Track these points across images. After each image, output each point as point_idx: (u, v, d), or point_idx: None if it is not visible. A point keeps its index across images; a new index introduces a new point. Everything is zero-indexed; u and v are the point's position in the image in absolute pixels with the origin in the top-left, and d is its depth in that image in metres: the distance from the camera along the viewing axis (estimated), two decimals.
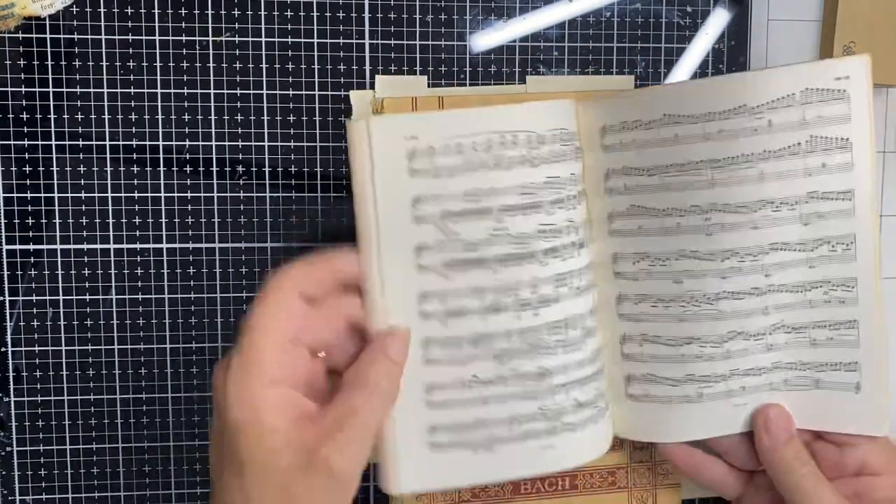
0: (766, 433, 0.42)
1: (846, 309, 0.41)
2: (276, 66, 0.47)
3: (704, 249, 0.41)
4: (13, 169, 0.46)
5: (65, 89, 0.46)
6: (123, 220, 0.47)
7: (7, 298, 0.47)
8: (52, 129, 0.46)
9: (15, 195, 0.46)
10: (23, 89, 0.45)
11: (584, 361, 0.41)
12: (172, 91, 0.46)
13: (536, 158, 0.39)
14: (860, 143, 0.39)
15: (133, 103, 0.46)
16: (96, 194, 0.46)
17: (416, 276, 0.39)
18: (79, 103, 0.46)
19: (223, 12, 0.46)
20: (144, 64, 0.46)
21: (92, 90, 0.46)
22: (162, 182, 0.47)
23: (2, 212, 0.46)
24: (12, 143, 0.46)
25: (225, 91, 0.47)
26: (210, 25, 0.46)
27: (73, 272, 0.47)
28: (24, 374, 0.47)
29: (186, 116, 0.46)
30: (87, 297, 0.47)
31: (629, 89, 0.48)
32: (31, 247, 0.46)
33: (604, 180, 0.42)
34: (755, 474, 0.45)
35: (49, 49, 0.45)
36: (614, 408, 0.44)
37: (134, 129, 0.46)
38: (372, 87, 0.47)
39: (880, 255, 0.41)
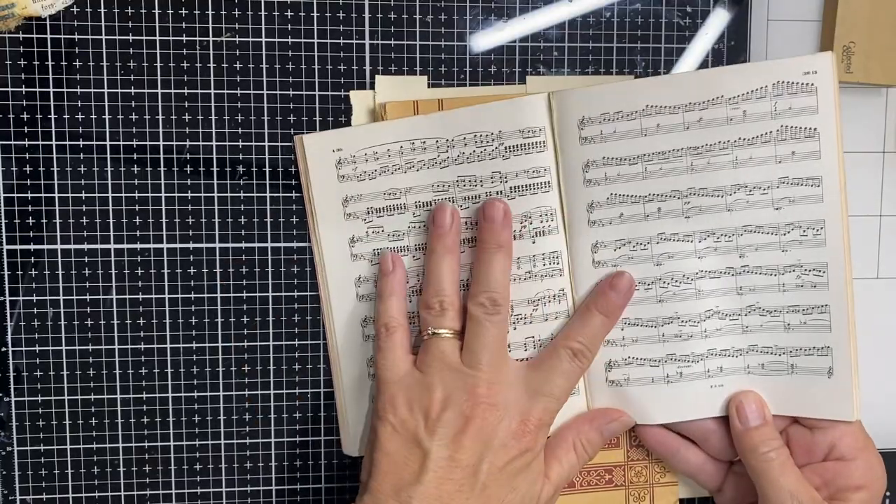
0: (738, 417, 0.44)
1: (818, 293, 0.43)
2: (276, 66, 0.47)
3: (683, 231, 0.43)
4: (13, 169, 0.46)
5: (65, 89, 0.46)
6: (123, 220, 0.47)
7: (7, 298, 0.47)
8: (53, 129, 0.46)
9: (15, 195, 0.46)
10: (23, 89, 0.45)
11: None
12: (172, 91, 0.46)
13: (446, 160, 0.44)
14: (827, 133, 0.41)
15: (133, 103, 0.46)
16: (96, 194, 0.46)
17: (351, 263, 0.46)
18: (79, 103, 0.46)
19: (223, 12, 0.46)
20: (144, 64, 0.46)
21: (92, 90, 0.46)
22: (162, 182, 0.47)
23: (2, 212, 0.46)
24: (12, 143, 0.46)
25: (225, 91, 0.47)
26: (210, 25, 0.46)
27: (73, 272, 0.47)
28: (24, 374, 0.47)
29: (186, 116, 0.47)
30: (87, 297, 0.47)
31: (607, 82, 0.48)
32: (32, 247, 0.46)
33: (582, 172, 0.44)
34: (734, 465, 0.46)
35: (49, 49, 0.45)
36: (592, 397, 0.46)
37: (134, 129, 0.46)
38: (372, 87, 0.47)
39: (850, 242, 0.42)
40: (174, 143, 0.47)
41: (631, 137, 0.43)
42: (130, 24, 0.46)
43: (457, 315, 0.43)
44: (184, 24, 0.46)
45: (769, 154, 0.42)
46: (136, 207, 0.47)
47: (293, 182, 0.47)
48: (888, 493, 0.52)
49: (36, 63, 0.45)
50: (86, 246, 0.47)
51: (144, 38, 0.46)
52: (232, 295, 0.48)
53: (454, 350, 0.42)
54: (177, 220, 0.47)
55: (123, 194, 0.47)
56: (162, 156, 0.47)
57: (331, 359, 0.47)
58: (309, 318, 0.48)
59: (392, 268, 0.45)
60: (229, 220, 0.47)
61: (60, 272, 0.47)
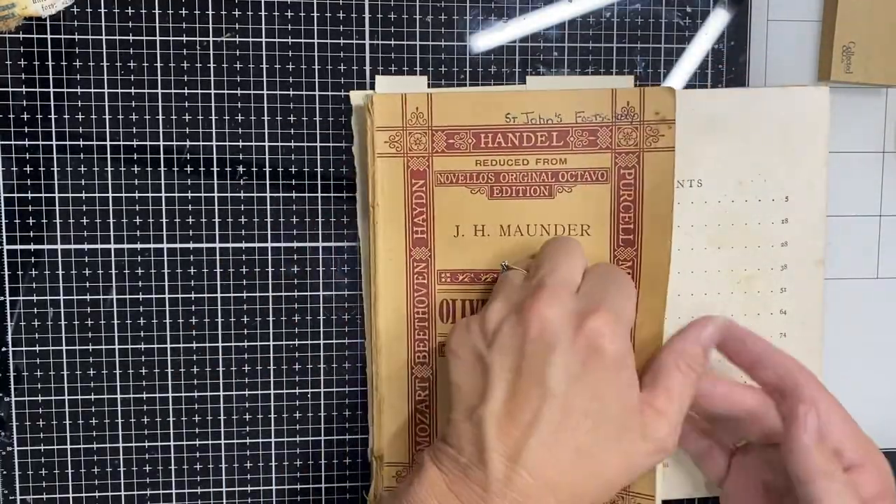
0: (805, 430, 0.39)
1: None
2: (276, 66, 0.47)
3: None
4: (13, 169, 0.46)
5: (65, 89, 0.46)
6: (123, 220, 0.47)
7: (7, 298, 0.47)
8: (53, 129, 0.46)
9: (15, 195, 0.46)
10: (23, 89, 0.45)
11: None
12: (172, 91, 0.46)
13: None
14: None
15: (133, 103, 0.46)
16: (96, 194, 0.46)
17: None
18: (79, 103, 0.46)
19: (223, 12, 0.46)
20: (144, 64, 0.46)
21: (92, 90, 0.46)
22: (162, 182, 0.47)
23: (2, 212, 0.46)
24: (12, 143, 0.46)
25: (225, 91, 0.47)
26: (210, 25, 0.46)
27: (73, 272, 0.47)
28: (24, 374, 0.47)
29: (186, 116, 0.47)
30: (88, 297, 0.47)
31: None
32: (32, 247, 0.46)
33: None
34: (736, 455, 0.45)
35: (49, 49, 0.45)
36: None
37: (134, 129, 0.46)
38: (372, 87, 0.47)
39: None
40: (174, 143, 0.47)
41: None
42: (130, 24, 0.46)
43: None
44: (184, 24, 0.46)
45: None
46: (136, 207, 0.47)
47: (292, 182, 0.47)
48: None
49: (36, 63, 0.45)
50: (86, 246, 0.47)
51: (144, 38, 0.46)
52: (232, 295, 0.48)
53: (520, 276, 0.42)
54: (177, 220, 0.47)
55: (123, 194, 0.47)
56: (162, 156, 0.47)
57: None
58: (309, 318, 0.48)
59: None
60: (229, 220, 0.47)
61: (60, 272, 0.47)
